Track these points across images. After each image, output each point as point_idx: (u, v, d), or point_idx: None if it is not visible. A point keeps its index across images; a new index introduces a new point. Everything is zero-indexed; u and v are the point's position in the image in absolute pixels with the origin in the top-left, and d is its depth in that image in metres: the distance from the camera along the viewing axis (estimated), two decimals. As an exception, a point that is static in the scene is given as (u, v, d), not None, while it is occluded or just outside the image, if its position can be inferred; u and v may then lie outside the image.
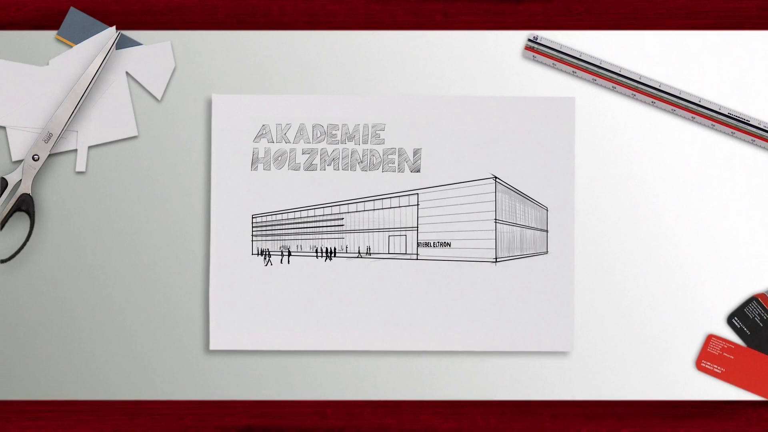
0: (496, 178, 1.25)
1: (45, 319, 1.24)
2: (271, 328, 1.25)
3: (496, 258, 1.25)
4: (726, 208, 1.25)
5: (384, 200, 1.26)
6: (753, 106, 1.25)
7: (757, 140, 1.24)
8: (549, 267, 1.25)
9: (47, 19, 1.26)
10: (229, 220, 1.25)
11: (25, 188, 1.22)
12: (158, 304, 1.25)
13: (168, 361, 1.25)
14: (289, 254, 1.26)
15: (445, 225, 1.25)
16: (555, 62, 1.25)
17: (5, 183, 1.22)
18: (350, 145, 1.26)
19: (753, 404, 1.26)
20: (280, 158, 1.26)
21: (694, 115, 1.25)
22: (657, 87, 1.24)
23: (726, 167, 1.26)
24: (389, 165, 1.26)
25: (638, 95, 1.25)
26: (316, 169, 1.26)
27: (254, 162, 1.26)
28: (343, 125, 1.26)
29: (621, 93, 1.25)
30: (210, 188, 1.25)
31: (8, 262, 1.24)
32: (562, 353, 1.25)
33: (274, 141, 1.26)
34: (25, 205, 1.22)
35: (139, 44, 1.25)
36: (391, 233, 1.26)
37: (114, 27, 1.25)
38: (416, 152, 1.26)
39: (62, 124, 1.22)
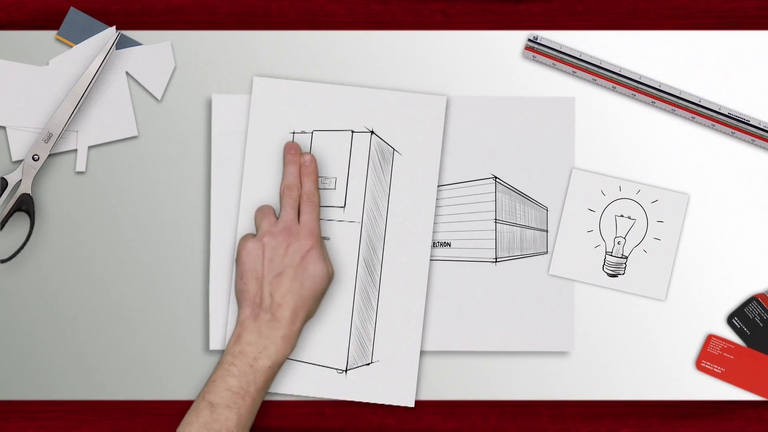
0: (496, 178, 1.25)
1: (45, 319, 1.25)
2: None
3: (496, 258, 1.25)
4: (726, 208, 1.25)
5: (384, 200, 1.26)
6: (753, 106, 1.25)
7: (757, 140, 1.25)
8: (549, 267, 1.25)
9: (47, 19, 1.26)
10: (230, 220, 1.25)
11: (25, 188, 1.22)
12: (158, 304, 1.25)
13: (168, 361, 1.25)
14: (289, 254, 1.25)
15: (445, 225, 1.25)
16: (555, 62, 1.25)
17: (5, 183, 1.22)
18: (350, 145, 1.26)
19: (753, 404, 1.26)
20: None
21: (694, 115, 1.25)
22: (657, 87, 1.24)
23: (726, 167, 1.26)
24: (389, 165, 1.26)
25: (638, 95, 1.25)
26: (316, 169, 1.26)
27: (254, 162, 1.25)
28: (343, 125, 1.26)
29: (621, 93, 1.25)
30: (210, 188, 1.25)
31: (8, 262, 1.24)
32: (562, 353, 1.25)
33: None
34: (25, 205, 1.22)
35: (139, 44, 1.25)
36: (391, 233, 1.26)
37: (114, 27, 1.25)
38: (416, 152, 1.26)
39: (62, 124, 1.22)
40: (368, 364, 1.24)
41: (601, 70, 1.25)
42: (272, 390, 1.23)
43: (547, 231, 1.25)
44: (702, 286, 1.25)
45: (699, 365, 1.24)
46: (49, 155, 1.25)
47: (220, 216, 1.24)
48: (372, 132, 1.23)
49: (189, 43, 1.25)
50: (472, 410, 1.26)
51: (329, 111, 1.24)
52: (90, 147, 1.25)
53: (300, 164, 1.21)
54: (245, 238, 1.19)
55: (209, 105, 1.25)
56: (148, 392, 1.25)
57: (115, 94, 1.25)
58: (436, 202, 1.25)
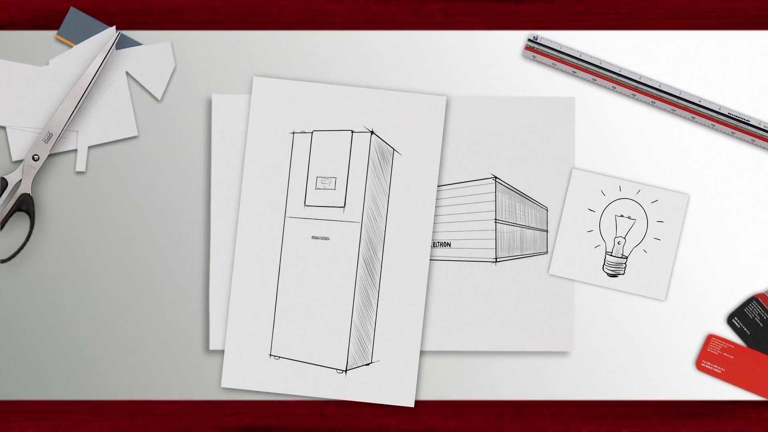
0: (496, 178, 1.25)
1: (45, 319, 1.25)
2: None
3: (496, 258, 1.25)
4: (726, 208, 1.25)
5: (384, 200, 1.26)
6: (753, 106, 1.25)
7: (757, 140, 1.25)
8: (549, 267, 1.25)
9: (47, 19, 1.26)
10: (230, 220, 1.25)
11: (25, 188, 1.22)
12: (158, 304, 1.25)
13: (168, 361, 1.25)
14: (289, 254, 1.26)
15: (445, 225, 1.25)
16: (555, 62, 1.25)
17: (5, 183, 1.22)
18: (350, 145, 1.26)
19: (753, 404, 1.26)
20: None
21: (694, 115, 1.25)
22: (657, 87, 1.24)
23: (726, 167, 1.26)
24: (389, 165, 1.26)
25: (638, 95, 1.25)
26: (316, 169, 1.26)
27: (254, 162, 1.25)
28: (343, 125, 1.26)
29: (621, 93, 1.25)
30: (210, 188, 1.25)
31: (8, 262, 1.24)
32: (562, 353, 1.25)
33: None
34: (25, 205, 1.22)
35: (139, 44, 1.25)
36: (391, 233, 1.26)
37: (114, 27, 1.25)
38: (416, 152, 1.26)
39: (62, 124, 1.22)
40: (368, 364, 1.24)
41: (601, 70, 1.25)
42: (272, 390, 1.23)
43: (547, 231, 1.25)
44: (702, 286, 1.25)
45: (699, 365, 1.24)
46: (49, 155, 1.25)
47: (220, 216, 1.24)
48: (372, 132, 1.23)
49: (189, 43, 1.25)
50: (472, 410, 1.26)
51: (329, 111, 1.24)
52: (90, 147, 1.25)
53: None
54: None
55: (209, 105, 1.25)
56: (148, 392, 1.25)
57: (115, 94, 1.25)
58: (436, 202, 1.25)
